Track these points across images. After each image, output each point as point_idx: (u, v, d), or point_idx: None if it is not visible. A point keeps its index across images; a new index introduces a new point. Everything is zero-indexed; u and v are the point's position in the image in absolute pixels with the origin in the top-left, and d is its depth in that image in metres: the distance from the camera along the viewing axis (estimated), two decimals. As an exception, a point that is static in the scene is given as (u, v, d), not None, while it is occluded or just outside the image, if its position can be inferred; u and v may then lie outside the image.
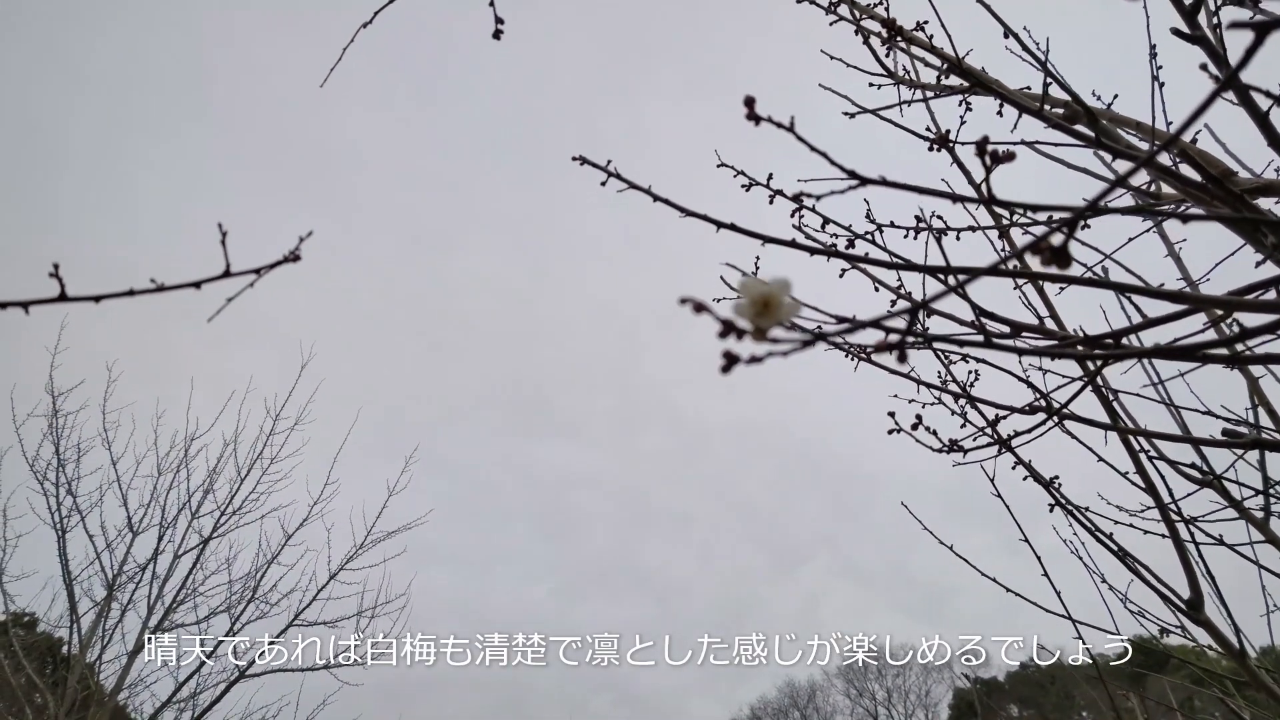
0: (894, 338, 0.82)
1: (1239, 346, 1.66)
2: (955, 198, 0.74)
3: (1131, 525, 2.16)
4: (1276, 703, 1.49)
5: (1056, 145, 1.61)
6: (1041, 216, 1.68)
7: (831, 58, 2.39)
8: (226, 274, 0.92)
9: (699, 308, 0.58)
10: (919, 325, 1.65)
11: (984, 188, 0.72)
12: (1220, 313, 0.97)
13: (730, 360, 0.60)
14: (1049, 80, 1.52)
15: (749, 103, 0.84)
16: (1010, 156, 0.70)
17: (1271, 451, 1.28)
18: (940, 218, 1.79)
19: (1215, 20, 1.22)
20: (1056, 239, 0.54)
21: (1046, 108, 1.45)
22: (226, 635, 7.92)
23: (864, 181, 0.77)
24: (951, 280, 1.51)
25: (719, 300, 2.15)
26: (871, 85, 2.35)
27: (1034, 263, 0.54)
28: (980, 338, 0.99)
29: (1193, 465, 2.10)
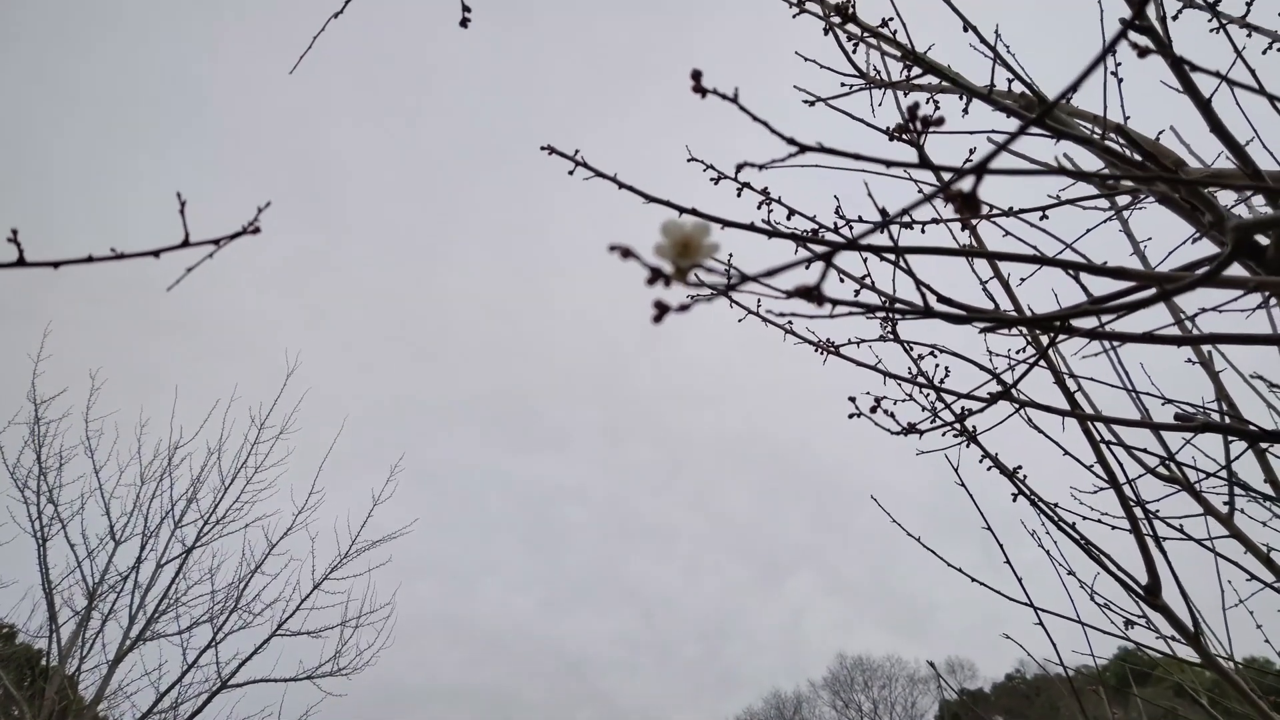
0: (836, 297, 0.83)
1: (1188, 326, 1.69)
2: (890, 163, 0.76)
3: (1100, 521, 2.19)
4: (1230, 685, 1.51)
5: (1011, 134, 1.63)
6: (1013, 225, 1.71)
7: (805, 59, 2.43)
8: (185, 244, 0.93)
9: (626, 253, 0.59)
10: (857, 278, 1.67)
11: (921, 151, 0.74)
12: (1157, 289, 0.99)
13: (661, 309, 0.62)
14: (1005, 71, 1.56)
15: (696, 76, 0.87)
16: (940, 121, 0.73)
17: (1222, 435, 1.30)
18: (907, 214, 1.82)
19: (1162, 12, 1.26)
20: (967, 184, 0.56)
21: (1002, 93, 1.48)
22: (209, 645, 7.86)
23: (804, 149, 0.79)
24: (904, 262, 1.54)
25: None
26: (843, 86, 2.39)
27: (948, 211, 0.56)
28: (922, 307, 1.02)
29: (1158, 459, 2.13)
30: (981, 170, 0.55)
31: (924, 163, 0.72)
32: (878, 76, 2.33)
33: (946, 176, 0.99)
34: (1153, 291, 0.80)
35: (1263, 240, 1.03)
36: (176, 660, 7.71)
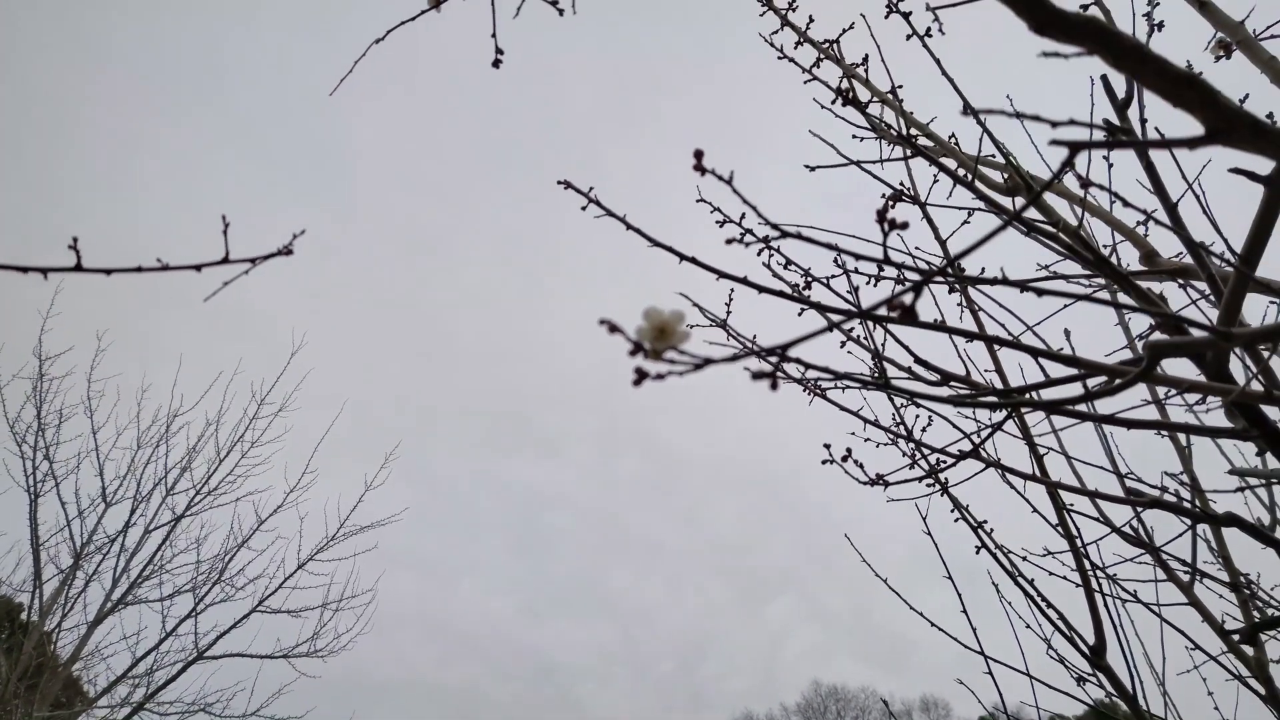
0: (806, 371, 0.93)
1: (1162, 408, 1.78)
2: (859, 256, 0.86)
3: (1065, 579, 2.28)
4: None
5: (978, 241, 1.74)
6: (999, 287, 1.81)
7: (822, 106, 2.54)
8: (225, 260, 1.03)
9: (613, 329, 0.69)
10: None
11: (884, 249, 0.84)
12: (1084, 389, 1.09)
13: (641, 375, 0.72)
14: (995, 149, 1.66)
15: (698, 155, 0.97)
16: (905, 225, 0.83)
17: (1168, 512, 1.41)
18: (899, 268, 1.93)
19: (1143, 116, 1.36)
20: (908, 299, 0.66)
21: (997, 164, 1.59)
22: (189, 615, 7.96)
23: (784, 234, 0.89)
24: (896, 328, 1.64)
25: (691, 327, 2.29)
26: (855, 137, 2.51)
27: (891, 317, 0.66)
28: (879, 379, 1.12)
29: (1112, 525, 2.23)
30: (921, 286, 0.65)
31: (886, 260, 0.82)
32: (889, 130, 2.44)
33: (914, 275, 1.09)
34: (1079, 390, 0.90)
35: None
36: (155, 627, 7.81)
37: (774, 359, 0.69)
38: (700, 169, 0.95)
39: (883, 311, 0.62)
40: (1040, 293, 0.87)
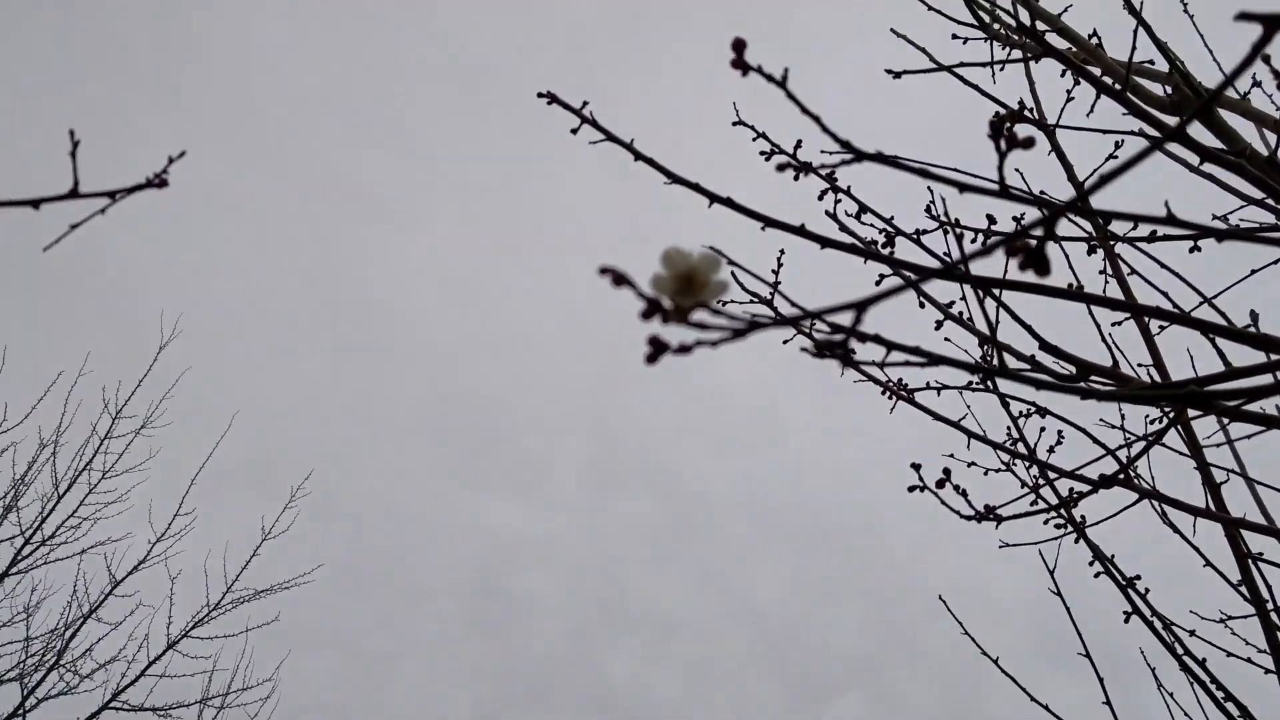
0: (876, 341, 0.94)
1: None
2: (964, 187, 0.85)
3: (1250, 660, 2.28)
4: None
5: (1122, 164, 1.74)
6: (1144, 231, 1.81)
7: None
8: (74, 194, 1.03)
9: (619, 280, 0.69)
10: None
11: (1000, 175, 0.84)
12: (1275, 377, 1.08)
13: (657, 348, 0.72)
14: (1156, 48, 1.65)
15: (737, 48, 0.97)
16: (1030, 142, 0.83)
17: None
18: (1017, 220, 1.93)
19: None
20: (1033, 239, 0.66)
21: (1157, 74, 1.58)
22: (14, 714, 7.97)
23: (859, 156, 0.89)
24: (1011, 295, 1.64)
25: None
26: (955, 38, 2.50)
27: (1012, 265, 0.66)
28: (992, 367, 1.12)
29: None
30: (1054, 220, 0.65)
31: (1004, 192, 0.82)
32: (1001, 30, 2.43)
33: (1032, 213, 1.09)
34: (1269, 380, 0.90)
35: None
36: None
37: (845, 326, 0.68)
38: (741, 65, 0.95)
39: (997, 262, 0.62)
40: (1222, 237, 0.86)
